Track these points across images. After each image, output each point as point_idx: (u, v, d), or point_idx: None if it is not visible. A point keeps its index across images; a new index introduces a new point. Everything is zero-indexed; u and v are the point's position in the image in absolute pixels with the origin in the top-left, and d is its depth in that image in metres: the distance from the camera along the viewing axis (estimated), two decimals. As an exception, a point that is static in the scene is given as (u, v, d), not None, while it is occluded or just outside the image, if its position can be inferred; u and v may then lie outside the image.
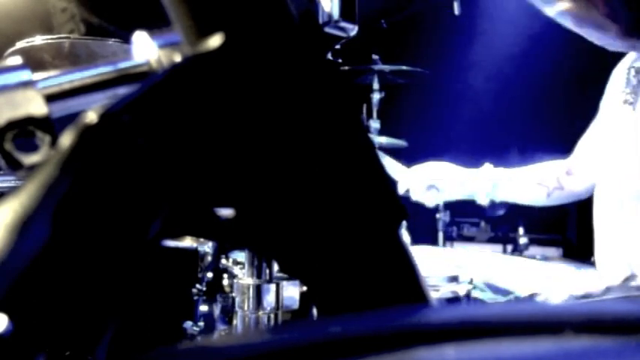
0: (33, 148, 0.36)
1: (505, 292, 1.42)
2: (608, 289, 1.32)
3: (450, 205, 3.08)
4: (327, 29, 0.52)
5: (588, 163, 1.61)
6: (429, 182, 1.64)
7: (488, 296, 1.38)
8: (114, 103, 0.32)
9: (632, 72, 1.44)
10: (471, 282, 1.22)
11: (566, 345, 0.22)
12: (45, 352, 0.29)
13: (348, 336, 0.22)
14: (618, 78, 1.50)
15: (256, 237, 0.37)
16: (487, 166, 1.69)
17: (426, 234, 3.05)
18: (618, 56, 1.53)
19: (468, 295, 1.20)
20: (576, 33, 1.24)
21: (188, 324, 1.36)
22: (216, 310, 1.39)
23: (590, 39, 1.25)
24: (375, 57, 2.99)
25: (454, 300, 1.19)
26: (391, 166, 1.74)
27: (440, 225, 3.05)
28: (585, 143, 1.64)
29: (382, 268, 0.38)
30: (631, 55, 1.49)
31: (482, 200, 1.65)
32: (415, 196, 1.67)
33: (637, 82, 1.40)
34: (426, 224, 3.05)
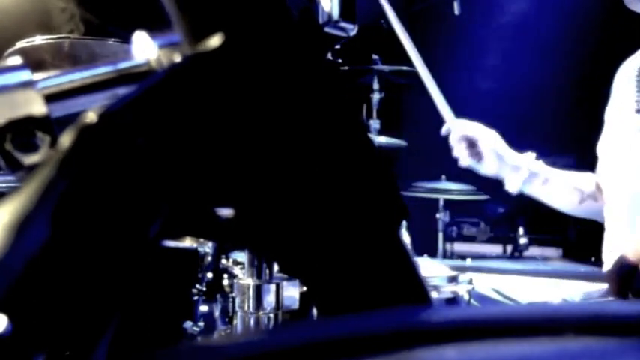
0: (33, 148, 0.36)
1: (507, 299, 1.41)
2: (608, 292, 1.32)
3: (449, 205, 3.07)
4: (327, 29, 0.52)
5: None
6: (470, 135, 1.56)
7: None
8: (114, 103, 0.32)
9: None
10: (470, 282, 1.22)
11: (566, 345, 0.22)
12: (45, 352, 0.29)
13: (348, 336, 0.21)
14: (625, 85, 1.48)
15: (256, 237, 0.37)
16: (529, 155, 1.62)
17: (426, 234, 3.05)
18: (621, 57, 1.52)
19: (468, 295, 1.20)
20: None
21: (188, 324, 1.36)
22: (216, 310, 1.39)
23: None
24: (375, 57, 2.99)
25: (454, 300, 1.19)
26: (443, 106, 1.66)
27: (440, 225, 3.04)
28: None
29: (382, 268, 0.38)
30: (633, 61, 1.48)
31: (514, 186, 1.57)
32: (453, 142, 1.61)
33: None
34: (426, 224, 3.05)
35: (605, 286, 1.36)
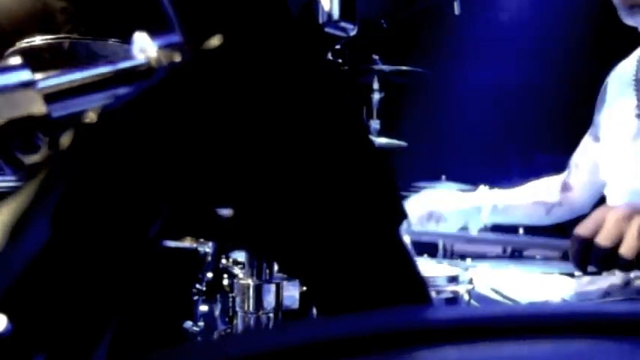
0: (33, 148, 0.36)
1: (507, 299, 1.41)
2: (608, 292, 1.32)
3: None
4: (327, 29, 0.52)
5: (588, 177, 1.59)
6: (428, 210, 1.61)
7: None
8: (113, 103, 0.32)
9: None
10: (470, 282, 1.22)
11: (566, 345, 0.22)
12: (45, 352, 0.29)
13: (348, 336, 0.21)
14: (621, 89, 1.48)
15: (256, 237, 0.37)
16: (482, 189, 1.64)
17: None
18: (619, 58, 1.52)
19: (468, 295, 1.20)
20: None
21: (188, 324, 1.36)
22: (216, 310, 1.39)
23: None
24: (375, 57, 2.99)
25: (454, 300, 1.19)
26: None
27: (440, 225, 3.04)
28: (583, 158, 1.61)
29: (382, 268, 0.38)
30: (627, 64, 1.48)
31: (479, 225, 1.62)
32: (416, 226, 1.66)
33: None
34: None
35: (602, 285, 1.36)
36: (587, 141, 1.61)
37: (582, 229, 0.99)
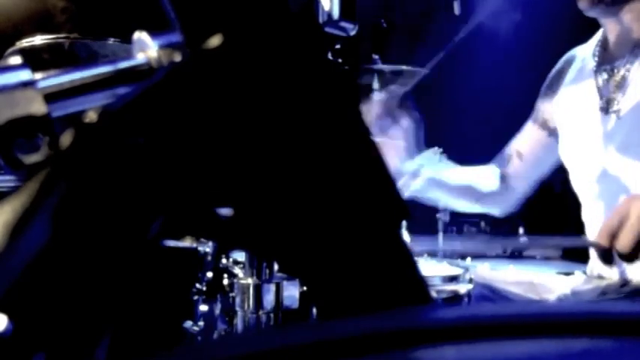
0: (33, 148, 0.36)
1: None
2: (605, 292, 1.32)
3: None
4: (327, 29, 0.52)
5: (531, 167, 1.57)
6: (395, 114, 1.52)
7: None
8: (114, 103, 0.32)
9: (604, 76, 1.39)
10: (470, 282, 1.22)
11: (566, 345, 0.22)
12: (45, 352, 0.29)
13: (348, 336, 0.21)
14: (580, 78, 1.47)
15: (256, 237, 0.37)
16: (434, 150, 1.55)
17: (425, 234, 3.04)
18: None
19: (468, 295, 1.20)
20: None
21: (188, 324, 1.35)
22: (216, 310, 1.39)
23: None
24: (375, 57, 2.99)
25: (454, 300, 1.19)
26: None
27: (440, 225, 3.04)
28: (526, 146, 1.60)
29: (382, 268, 0.38)
30: (587, 53, 1.48)
31: (406, 189, 1.50)
32: (380, 109, 1.54)
33: (613, 88, 1.36)
34: (426, 224, 3.05)
35: (599, 285, 1.36)
36: (530, 128, 1.60)
37: (608, 224, 0.99)
